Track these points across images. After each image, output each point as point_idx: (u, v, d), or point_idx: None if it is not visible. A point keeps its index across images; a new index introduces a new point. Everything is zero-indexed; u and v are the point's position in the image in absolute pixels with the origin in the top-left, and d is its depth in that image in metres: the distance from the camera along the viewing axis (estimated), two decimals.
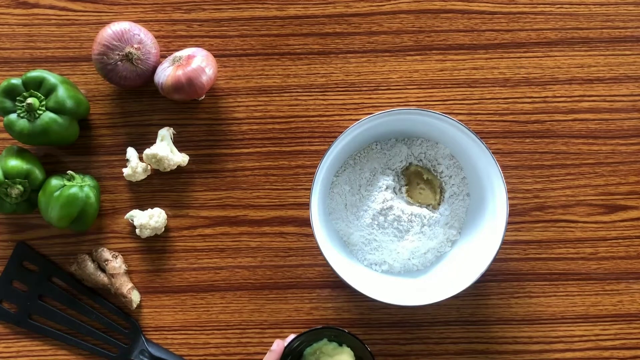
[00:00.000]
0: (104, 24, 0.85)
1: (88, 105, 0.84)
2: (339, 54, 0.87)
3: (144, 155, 0.84)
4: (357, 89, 0.87)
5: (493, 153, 0.78)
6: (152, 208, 0.85)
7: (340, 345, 0.78)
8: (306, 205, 0.85)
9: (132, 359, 0.84)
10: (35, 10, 0.87)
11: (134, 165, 0.84)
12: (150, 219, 0.83)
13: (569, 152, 0.86)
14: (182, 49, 0.85)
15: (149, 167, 0.85)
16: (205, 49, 0.85)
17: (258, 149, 0.86)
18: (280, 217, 0.86)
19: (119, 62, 0.81)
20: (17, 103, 0.79)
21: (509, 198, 0.78)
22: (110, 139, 0.87)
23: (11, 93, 0.79)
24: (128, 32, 0.81)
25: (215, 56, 0.85)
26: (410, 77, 0.87)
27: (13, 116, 0.79)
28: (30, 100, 0.78)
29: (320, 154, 0.85)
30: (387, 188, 0.82)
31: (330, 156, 0.79)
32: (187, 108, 0.87)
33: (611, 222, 0.86)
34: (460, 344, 0.85)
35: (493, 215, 0.79)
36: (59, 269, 0.86)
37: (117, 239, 0.86)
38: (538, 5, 0.87)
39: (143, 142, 0.86)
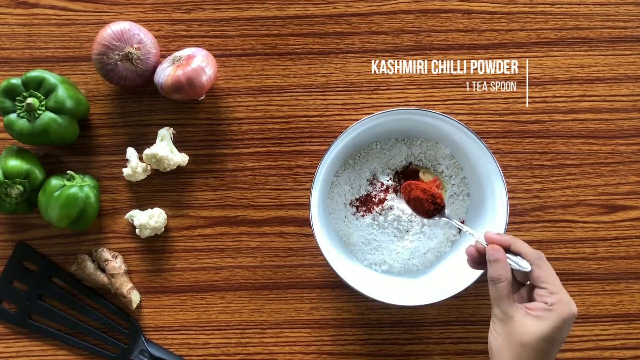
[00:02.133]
0: (104, 24, 0.85)
1: (88, 105, 0.84)
2: (339, 54, 0.87)
3: (144, 155, 0.84)
4: (357, 89, 0.87)
5: (493, 153, 0.78)
6: (152, 208, 0.85)
7: None
8: (306, 205, 0.85)
9: (132, 359, 0.84)
10: (35, 10, 0.87)
11: (134, 165, 0.84)
12: (150, 219, 0.83)
13: (569, 152, 0.86)
14: (182, 49, 0.85)
15: (149, 167, 0.85)
16: (205, 49, 0.85)
17: (258, 149, 0.86)
18: (280, 217, 0.86)
19: (119, 62, 0.80)
20: (17, 103, 0.79)
21: (509, 198, 0.78)
22: (110, 139, 0.87)
23: (11, 93, 0.79)
24: (128, 32, 0.81)
25: (215, 56, 0.85)
26: (410, 77, 0.87)
27: (13, 116, 0.79)
28: (30, 100, 0.78)
29: (320, 154, 0.85)
30: (387, 188, 0.82)
31: (330, 156, 0.79)
32: (187, 108, 0.87)
33: (611, 222, 0.86)
34: (460, 344, 0.85)
35: (493, 215, 0.79)
36: (59, 269, 0.86)
37: (117, 239, 0.86)
38: (538, 5, 0.87)
39: (143, 142, 0.86)
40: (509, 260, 0.69)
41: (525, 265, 0.68)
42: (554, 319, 0.65)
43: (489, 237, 0.71)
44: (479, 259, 0.72)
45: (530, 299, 0.69)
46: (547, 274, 0.68)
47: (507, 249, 0.70)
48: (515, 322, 0.66)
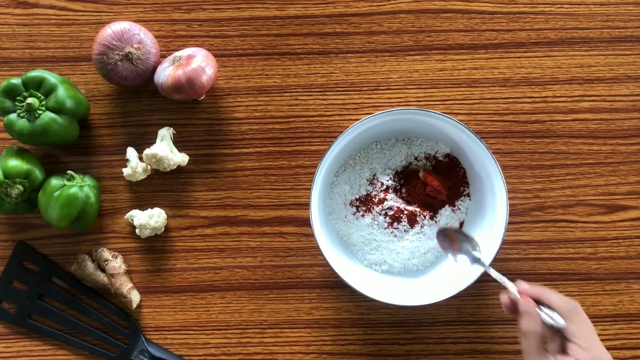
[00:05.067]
0: (104, 23, 0.85)
1: (88, 105, 0.84)
2: (339, 54, 0.87)
3: (144, 155, 0.84)
4: (357, 89, 0.87)
5: (493, 153, 0.78)
6: (152, 208, 0.85)
7: None
8: (306, 205, 0.85)
9: (132, 359, 0.84)
10: (35, 10, 0.87)
11: (134, 165, 0.84)
12: (150, 219, 0.83)
13: (569, 152, 0.86)
14: (182, 49, 0.85)
15: (149, 167, 0.85)
16: (205, 49, 0.85)
17: (258, 149, 0.86)
18: (280, 217, 0.86)
19: (119, 62, 0.81)
20: (17, 103, 0.79)
21: (509, 198, 0.78)
22: (110, 139, 0.87)
23: (11, 93, 0.79)
24: (128, 32, 0.81)
25: (215, 56, 0.85)
26: (410, 77, 0.87)
27: (13, 116, 0.79)
28: (30, 100, 0.78)
29: (320, 154, 0.85)
30: (387, 188, 0.82)
31: (330, 156, 0.79)
32: (187, 108, 0.87)
33: (611, 222, 0.86)
34: (460, 344, 0.85)
35: (493, 215, 0.79)
36: (59, 269, 0.86)
37: (117, 239, 0.86)
38: (538, 5, 0.87)
39: (143, 142, 0.86)
40: (542, 314, 0.68)
41: (558, 320, 0.67)
42: None
43: (521, 289, 0.70)
44: (513, 308, 0.71)
45: (564, 348, 0.68)
46: (579, 328, 0.67)
47: (539, 300, 0.70)
48: None
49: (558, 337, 0.68)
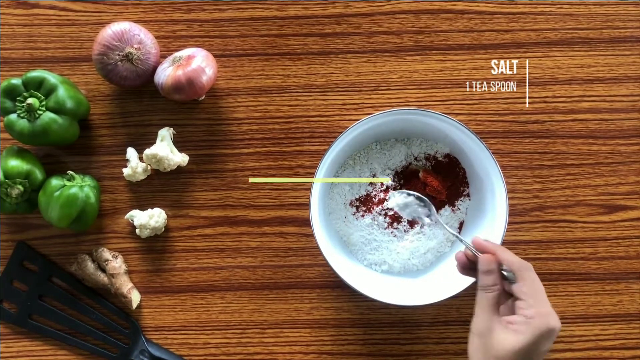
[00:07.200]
0: (104, 24, 0.85)
1: (88, 106, 0.84)
2: (339, 54, 0.87)
3: (144, 155, 0.84)
4: (357, 89, 0.87)
5: (493, 153, 0.78)
6: (152, 208, 0.85)
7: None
8: (306, 205, 0.85)
9: (132, 359, 0.84)
10: (35, 11, 0.87)
11: (134, 165, 0.84)
12: (150, 219, 0.84)
13: (569, 152, 0.86)
14: (182, 49, 0.85)
15: (149, 167, 0.86)
16: (205, 49, 0.85)
17: (258, 149, 0.86)
18: (280, 217, 0.86)
19: (119, 62, 0.81)
20: (17, 103, 0.79)
21: (509, 198, 0.78)
22: (110, 139, 0.87)
23: (11, 93, 0.79)
24: (128, 32, 0.81)
25: (215, 56, 0.85)
26: (410, 77, 0.87)
27: (13, 116, 0.79)
28: (30, 100, 0.78)
29: (320, 154, 0.85)
30: (387, 188, 0.82)
31: (330, 156, 0.79)
32: (187, 108, 0.87)
33: (611, 222, 0.86)
34: (460, 344, 0.85)
35: (493, 215, 0.79)
36: (59, 269, 0.86)
37: (117, 239, 0.86)
38: (538, 5, 0.87)
39: (143, 142, 0.86)
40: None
41: (510, 276, 0.67)
42: (530, 333, 0.63)
43: (478, 243, 0.70)
44: (469, 266, 0.71)
45: (513, 311, 0.67)
46: (529, 286, 0.66)
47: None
48: (493, 336, 0.65)
49: (510, 300, 0.68)
